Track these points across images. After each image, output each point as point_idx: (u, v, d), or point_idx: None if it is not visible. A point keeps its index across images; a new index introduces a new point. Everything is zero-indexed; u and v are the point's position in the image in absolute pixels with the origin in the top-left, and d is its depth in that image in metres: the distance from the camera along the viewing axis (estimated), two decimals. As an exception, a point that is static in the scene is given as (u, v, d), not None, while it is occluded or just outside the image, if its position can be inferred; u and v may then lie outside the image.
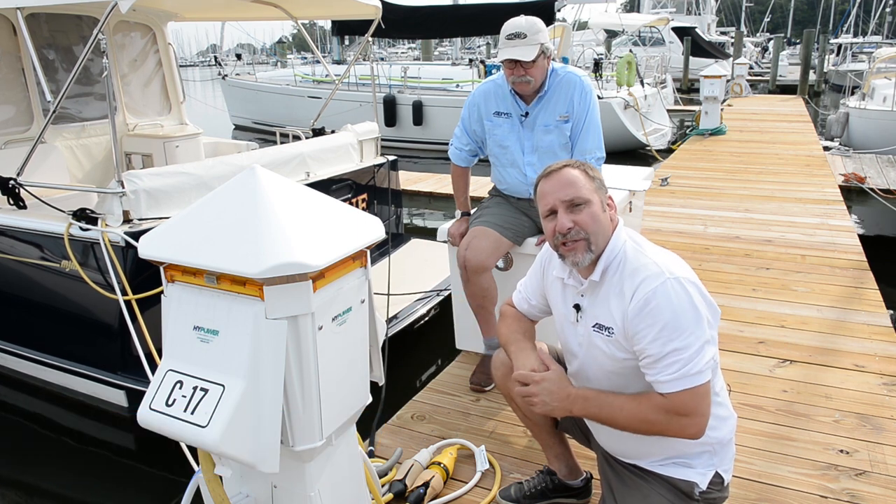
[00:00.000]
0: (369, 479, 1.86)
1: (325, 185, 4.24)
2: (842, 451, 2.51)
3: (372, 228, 1.55)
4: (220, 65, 17.61)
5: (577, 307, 1.78)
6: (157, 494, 3.14)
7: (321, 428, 1.48)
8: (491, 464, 2.44)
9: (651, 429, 1.62)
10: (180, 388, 1.39)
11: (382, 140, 5.11)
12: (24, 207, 3.59)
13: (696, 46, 24.18)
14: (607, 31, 19.37)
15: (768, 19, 57.43)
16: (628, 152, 11.36)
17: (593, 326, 1.73)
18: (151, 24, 5.41)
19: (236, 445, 1.35)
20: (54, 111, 3.37)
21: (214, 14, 5.85)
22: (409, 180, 7.73)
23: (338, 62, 19.78)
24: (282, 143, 4.78)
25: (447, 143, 3.18)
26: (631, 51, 15.92)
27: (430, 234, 7.07)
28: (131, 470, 3.34)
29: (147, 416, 1.41)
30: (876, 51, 18.20)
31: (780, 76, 24.82)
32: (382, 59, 20.60)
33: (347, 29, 10.80)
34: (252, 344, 1.35)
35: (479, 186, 5.89)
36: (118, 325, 3.16)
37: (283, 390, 1.38)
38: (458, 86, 13.34)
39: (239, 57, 22.10)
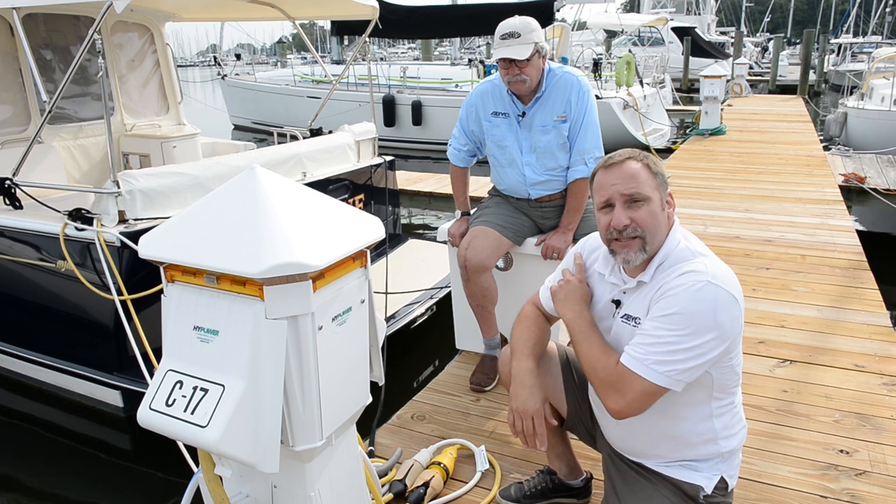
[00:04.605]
0: (369, 479, 1.85)
1: (321, 186, 4.23)
2: (842, 451, 2.51)
3: (372, 228, 1.54)
4: (219, 65, 17.58)
5: (618, 303, 1.73)
6: (156, 495, 3.13)
7: (321, 428, 1.48)
8: (491, 464, 2.44)
9: (591, 377, 1.65)
10: (180, 388, 1.39)
11: (382, 140, 5.10)
12: (20, 208, 3.59)
13: (696, 46, 24.15)
14: (606, 31, 19.35)
15: (768, 19, 57.47)
16: (627, 152, 11.32)
17: (622, 317, 1.69)
18: (149, 24, 5.40)
19: (236, 445, 1.34)
20: (50, 111, 3.36)
21: (212, 14, 5.84)
22: (408, 180, 7.73)
23: (337, 62, 19.77)
24: (279, 143, 4.78)
25: (447, 143, 3.18)
26: (630, 51, 15.92)
27: (430, 234, 7.08)
28: (129, 471, 3.33)
29: (147, 416, 1.40)
30: (875, 51, 18.19)
31: (780, 76, 24.82)
32: (382, 59, 20.55)
33: (347, 29, 10.79)
34: (252, 344, 1.34)
35: (479, 186, 5.89)
36: (114, 326, 3.16)
37: (283, 390, 1.38)
38: (457, 86, 13.34)
39: (238, 57, 22.08)
